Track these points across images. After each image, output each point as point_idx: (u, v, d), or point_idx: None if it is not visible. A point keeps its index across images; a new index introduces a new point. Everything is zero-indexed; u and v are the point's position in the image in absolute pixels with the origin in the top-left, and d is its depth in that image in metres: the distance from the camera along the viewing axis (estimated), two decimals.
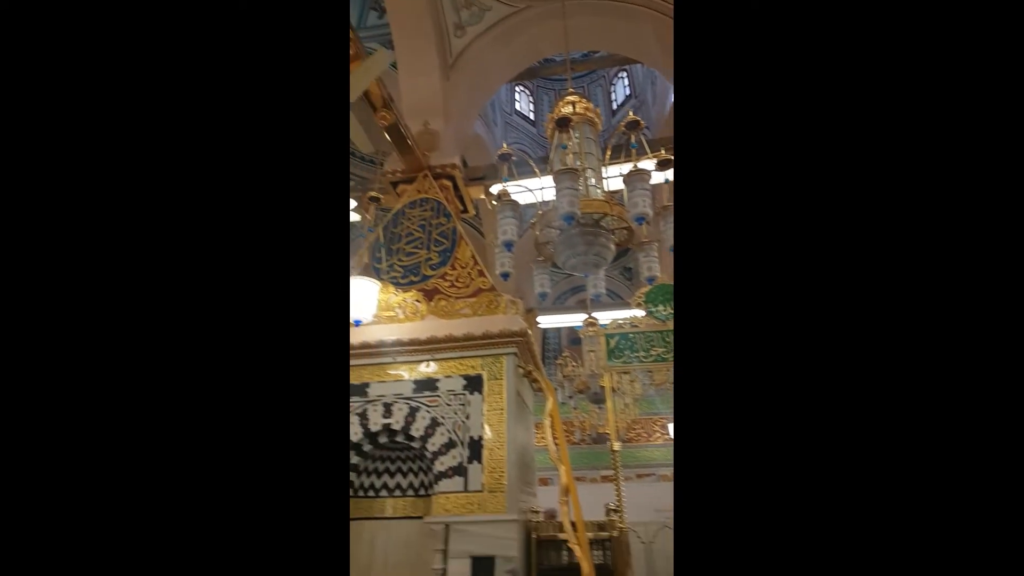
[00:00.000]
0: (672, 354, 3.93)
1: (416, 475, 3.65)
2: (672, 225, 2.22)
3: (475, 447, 3.22)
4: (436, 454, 3.27)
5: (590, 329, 5.64)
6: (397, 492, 3.63)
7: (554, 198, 2.11)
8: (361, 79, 3.20)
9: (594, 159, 2.51)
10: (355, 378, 3.57)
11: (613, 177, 2.44)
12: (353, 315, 3.35)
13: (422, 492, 3.56)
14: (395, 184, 4.83)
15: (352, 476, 3.57)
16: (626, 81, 10.18)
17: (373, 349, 3.58)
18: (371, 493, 3.62)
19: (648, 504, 7.07)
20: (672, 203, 2.08)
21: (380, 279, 3.79)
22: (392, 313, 3.81)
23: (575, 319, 8.28)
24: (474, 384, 3.40)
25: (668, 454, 8.86)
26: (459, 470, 3.19)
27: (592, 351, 5.61)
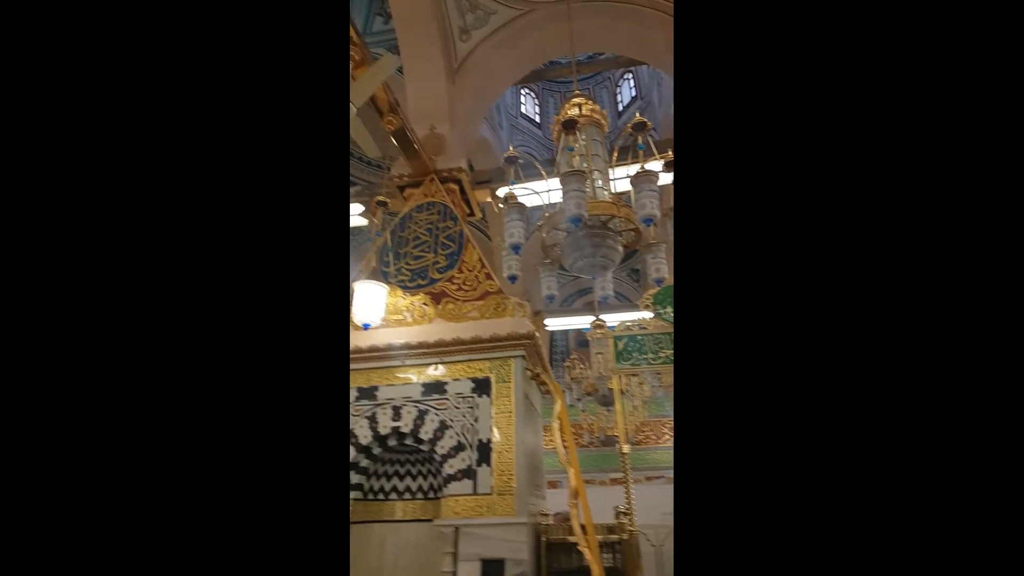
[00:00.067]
0: None
1: (425, 478, 3.65)
2: None
3: (484, 450, 3.22)
4: (445, 457, 3.27)
5: (598, 331, 5.63)
6: (406, 495, 3.64)
7: (561, 200, 2.11)
8: (367, 84, 3.21)
9: (601, 161, 2.51)
10: (364, 381, 3.59)
11: (620, 179, 2.44)
12: (362, 319, 3.37)
13: (431, 495, 3.56)
14: (402, 188, 4.85)
15: (362, 479, 3.58)
16: (632, 83, 10.18)
17: (382, 352, 3.60)
18: (380, 496, 3.63)
19: (657, 507, 7.02)
20: None
21: (388, 283, 3.81)
22: (400, 316, 3.82)
23: (583, 321, 8.26)
24: (482, 387, 3.40)
25: None
26: (468, 473, 3.19)
27: (600, 353, 5.60)
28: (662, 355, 3.98)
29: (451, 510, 3.13)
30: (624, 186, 2.34)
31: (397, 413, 3.46)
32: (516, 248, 2.30)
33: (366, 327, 3.41)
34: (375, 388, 3.57)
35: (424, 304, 3.85)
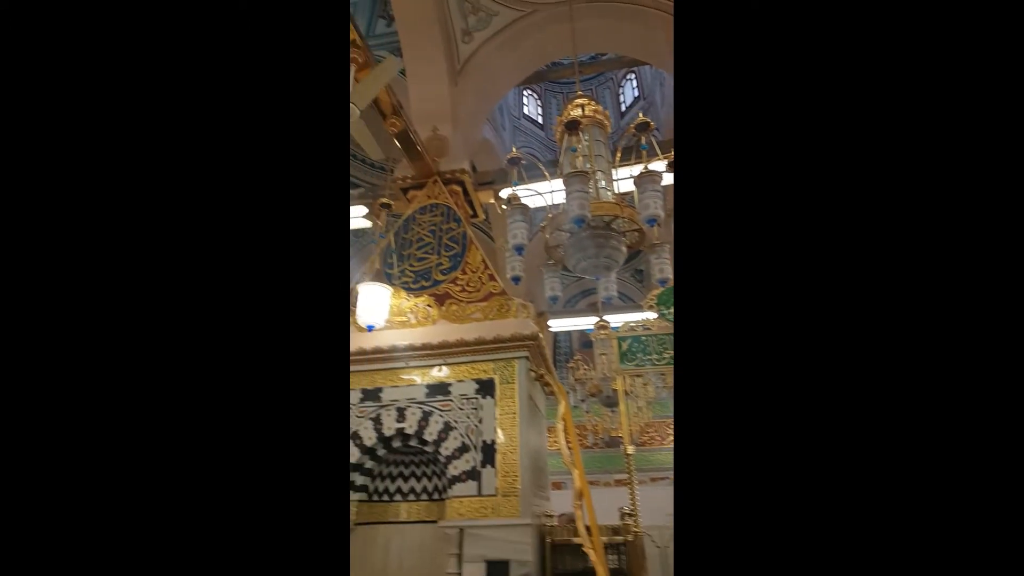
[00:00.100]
0: None
1: (430, 479, 3.65)
2: None
3: (488, 451, 3.22)
4: (449, 458, 3.27)
5: (602, 332, 5.62)
6: (411, 496, 3.64)
7: (564, 201, 2.11)
8: (370, 87, 3.22)
9: (604, 161, 2.51)
10: (368, 383, 3.59)
11: (623, 179, 2.44)
12: (366, 321, 3.37)
13: (436, 496, 3.56)
14: (405, 190, 4.86)
15: (366, 480, 3.58)
16: (634, 83, 10.18)
17: (386, 354, 3.60)
18: (385, 497, 3.63)
19: (662, 508, 6.99)
20: None
21: (392, 284, 3.81)
22: (404, 318, 3.83)
23: (586, 322, 8.25)
24: (486, 388, 3.40)
25: None
26: (473, 474, 3.19)
27: (604, 354, 5.59)
28: (666, 356, 3.97)
29: (455, 511, 3.13)
30: (627, 186, 2.33)
31: (401, 414, 3.46)
32: (519, 249, 2.30)
33: (370, 329, 3.42)
34: (379, 390, 3.57)
35: (428, 305, 3.85)
